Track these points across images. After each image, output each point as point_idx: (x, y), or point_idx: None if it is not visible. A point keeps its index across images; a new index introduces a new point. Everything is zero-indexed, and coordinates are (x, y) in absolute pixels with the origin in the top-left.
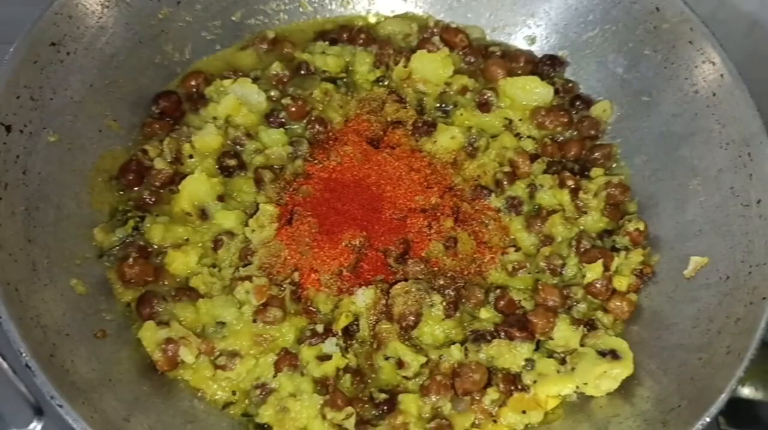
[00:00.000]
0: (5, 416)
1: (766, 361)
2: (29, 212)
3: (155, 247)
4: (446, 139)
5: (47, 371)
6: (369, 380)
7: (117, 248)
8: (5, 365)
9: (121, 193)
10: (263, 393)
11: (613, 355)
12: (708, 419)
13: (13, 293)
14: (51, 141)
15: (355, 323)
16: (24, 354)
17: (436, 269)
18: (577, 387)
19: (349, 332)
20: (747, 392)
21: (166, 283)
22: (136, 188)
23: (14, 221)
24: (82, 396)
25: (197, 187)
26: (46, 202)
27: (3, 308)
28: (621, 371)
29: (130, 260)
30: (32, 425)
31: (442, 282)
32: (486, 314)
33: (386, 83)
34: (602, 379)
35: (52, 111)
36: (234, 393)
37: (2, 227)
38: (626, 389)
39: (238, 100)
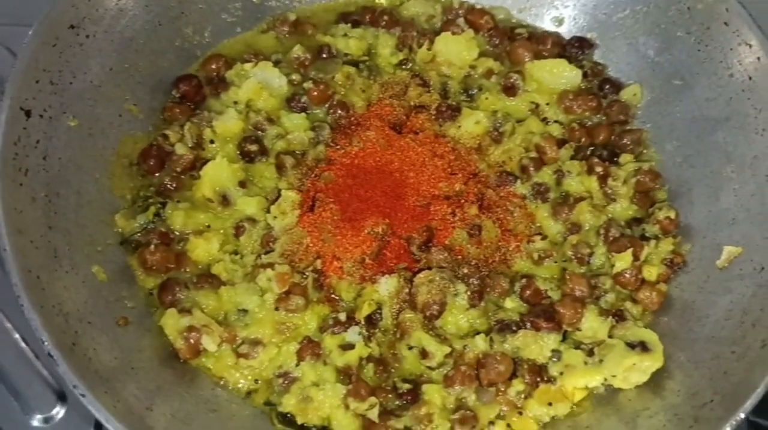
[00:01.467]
0: (29, 401)
1: None
2: (50, 198)
3: (177, 233)
4: (471, 124)
5: (70, 359)
6: (392, 370)
7: (138, 234)
8: (28, 351)
9: (142, 178)
10: (286, 382)
11: (643, 347)
12: (743, 415)
13: (34, 280)
14: (71, 126)
15: (378, 311)
16: (46, 342)
17: (459, 257)
18: (605, 379)
19: (371, 321)
20: None
21: (187, 270)
22: (156, 174)
23: (35, 207)
24: (105, 385)
25: (218, 173)
26: (67, 187)
27: (25, 296)
28: (651, 363)
29: (152, 246)
30: (55, 410)
31: (466, 271)
32: (511, 303)
33: (409, 66)
34: (631, 371)
35: (71, 95)
36: (256, 381)
37: (23, 214)
38: (656, 382)
39: (259, 84)
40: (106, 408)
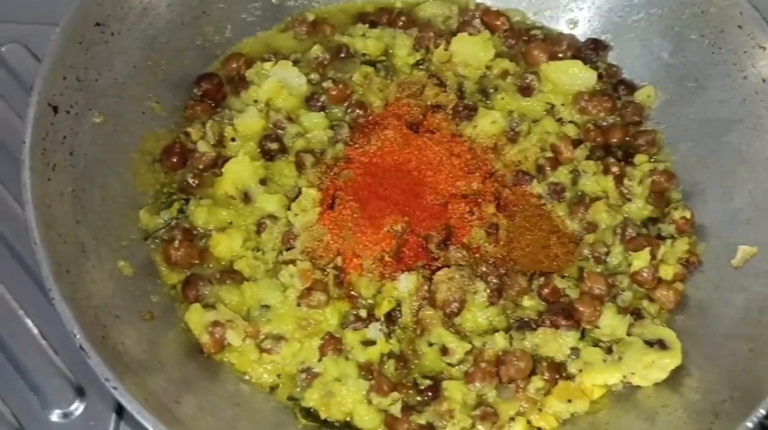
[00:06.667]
0: (48, 397)
1: None
2: (76, 193)
3: (199, 230)
4: (487, 124)
5: (101, 352)
6: (412, 366)
7: (162, 230)
8: (47, 346)
9: (165, 175)
10: (309, 377)
11: (661, 345)
12: (763, 411)
13: (64, 273)
14: (96, 122)
15: (398, 308)
16: (78, 335)
17: (477, 255)
18: (624, 377)
19: (391, 318)
20: None
21: (210, 265)
22: (179, 171)
23: (63, 201)
24: (135, 378)
25: (240, 170)
26: (93, 183)
27: (56, 289)
28: (670, 361)
29: (176, 242)
30: (74, 406)
31: (484, 269)
32: (529, 301)
33: (426, 67)
34: (650, 369)
35: (97, 92)
36: (279, 376)
37: (52, 208)
38: (674, 379)
39: (279, 83)
40: (138, 401)
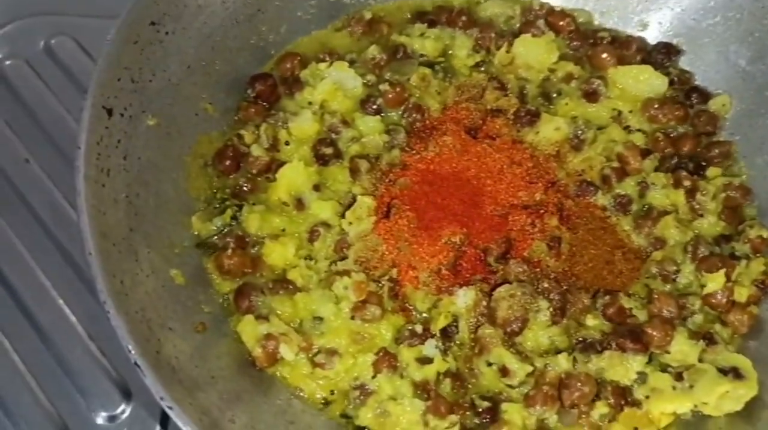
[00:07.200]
0: (94, 399)
1: None
2: (130, 200)
3: (252, 237)
4: (550, 130)
5: (156, 370)
6: (468, 386)
7: (215, 237)
8: (94, 348)
9: (217, 179)
10: (362, 395)
11: (736, 373)
12: None
13: (118, 285)
14: (150, 125)
15: (454, 324)
16: (133, 351)
17: (538, 270)
18: (695, 406)
19: (446, 334)
20: None
21: (263, 274)
22: (232, 175)
23: (117, 208)
24: (190, 396)
25: (295, 176)
26: (146, 188)
27: (111, 303)
28: (745, 392)
29: (229, 250)
30: (121, 408)
31: (546, 285)
32: (593, 321)
33: (486, 69)
34: (724, 399)
35: (151, 93)
36: (332, 393)
37: (106, 216)
38: (748, 410)
39: (334, 84)
40: (194, 422)
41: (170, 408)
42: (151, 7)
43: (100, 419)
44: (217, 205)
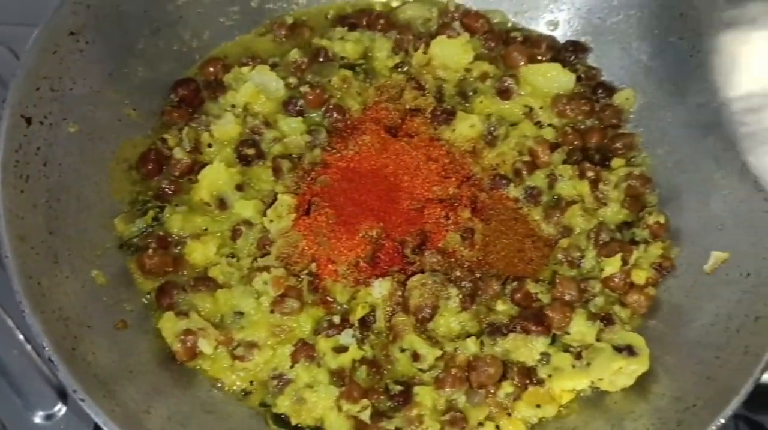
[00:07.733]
0: (31, 399)
1: None
2: (50, 204)
3: (174, 237)
4: (465, 128)
5: (69, 364)
6: (384, 372)
7: (137, 238)
8: (30, 349)
9: (141, 182)
10: (280, 384)
11: (630, 351)
12: (723, 421)
13: (35, 286)
14: (71, 131)
15: (372, 314)
16: (47, 348)
17: (452, 260)
18: (593, 382)
19: (365, 323)
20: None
21: (185, 273)
22: (155, 178)
23: (36, 213)
24: (104, 389)
25: (216, 177)
26: (67, 193)
27: (26, 303)
28: (637, 367)
29: (150, 250)
30: (57, 408)
31: (458, 274)
32: (502, 306)
33: (405, 70)
34: (618, 375)
35: (71, 101)
36: (252, 383)
37: (24, 220)
38: (642, 385)
39: (257, 87)
40: (105, 412)
41: (82, 400)
42: (70, 18)
43: (38, 418)
44: (140, 208)
